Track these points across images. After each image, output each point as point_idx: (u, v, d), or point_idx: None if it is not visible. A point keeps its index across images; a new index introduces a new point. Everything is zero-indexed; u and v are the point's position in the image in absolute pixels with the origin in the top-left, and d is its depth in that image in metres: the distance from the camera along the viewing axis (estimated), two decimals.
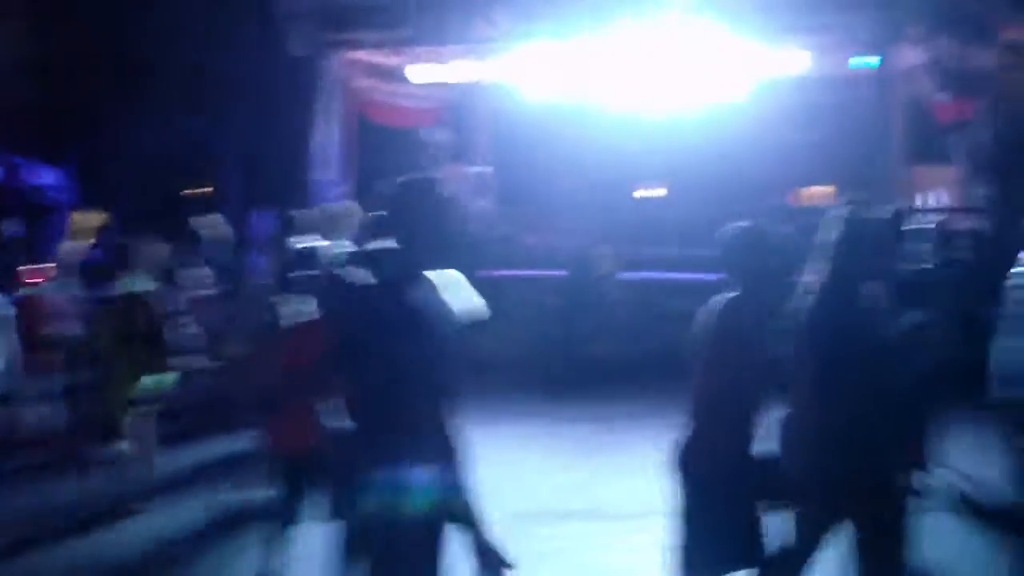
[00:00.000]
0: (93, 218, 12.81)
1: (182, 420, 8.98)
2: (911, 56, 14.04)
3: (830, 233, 4.35)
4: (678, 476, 4.53)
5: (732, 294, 4.50)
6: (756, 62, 14.39)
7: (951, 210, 13.48)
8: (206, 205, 14.54)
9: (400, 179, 3.66)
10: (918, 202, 14.16)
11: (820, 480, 4.23)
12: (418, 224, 3.57)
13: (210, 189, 19.22)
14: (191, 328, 9.99)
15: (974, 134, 13.84)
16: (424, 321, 3.53)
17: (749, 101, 14.87)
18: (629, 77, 14.66)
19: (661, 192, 18.68)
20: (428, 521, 3.54)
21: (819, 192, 17.28)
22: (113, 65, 16.08)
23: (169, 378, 7.33)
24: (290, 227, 9.79)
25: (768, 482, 4.40)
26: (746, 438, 4.38)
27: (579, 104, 15.16)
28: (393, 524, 3.45)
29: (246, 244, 10.57)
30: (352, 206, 9.97)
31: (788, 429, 4.42)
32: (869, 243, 4.30)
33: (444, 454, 3.58)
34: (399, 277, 3.61)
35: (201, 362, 8.33)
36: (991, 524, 6.74)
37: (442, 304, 3.64)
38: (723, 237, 4.60)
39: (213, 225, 11.83)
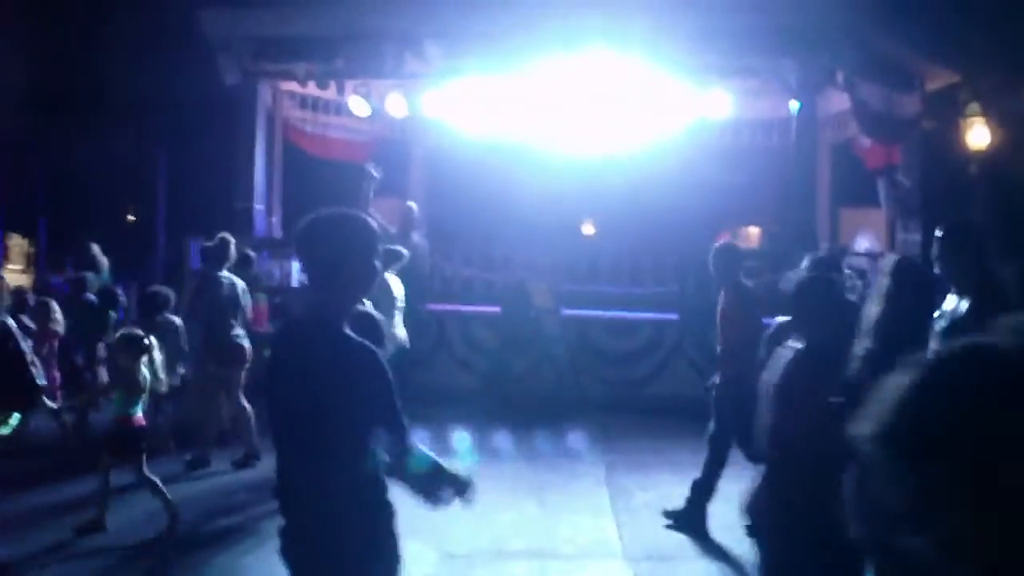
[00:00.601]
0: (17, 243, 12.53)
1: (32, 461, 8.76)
2: (838, 101, 14.31)
3: (883, 280, 4.24)
4: (755, 529, 4.40)
5: (798, 345, 4.31)
6: (686, 103, 14.57)
7: (881, 254, 13.73)
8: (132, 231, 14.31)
9: (313, 215, 3.53)
10: (852, 245, 14.36)
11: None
12: (332, 261, 3.42)
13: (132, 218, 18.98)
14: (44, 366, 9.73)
15: (899, 178, 14.13)
16: (320, 369, 3.36)
17: (679, 142, 15.05)
18: (560, 115, 14.78)
19: (593, 230, 18.81)
20: None
21: (753, 233, 17.59)
22: (40, 90, 15.78)
23: (14, 418, 7.02)
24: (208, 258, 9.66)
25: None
26: (822, 495, 4.09)
27: (511, 141, 15.23)
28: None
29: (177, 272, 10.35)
30: (228, 238, 9.76)
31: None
32: (922, 290, 4.19)
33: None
34: (309, 317, 3.51)
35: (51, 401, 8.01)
36: None
37: (352, 349, 3.39)
38: (792, 285, 4.42)
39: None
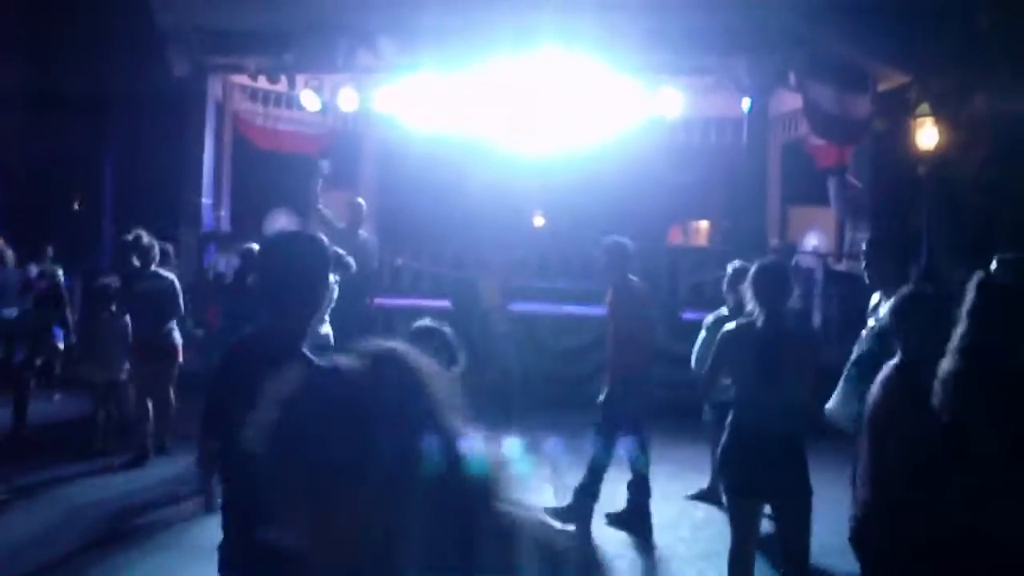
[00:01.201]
0: None
1: None
2: (790, 100, 14.37)
3: (969, 296, 3.88)
4: (862, 555, 4.15)
5: (893, 361, 4.12)
6: (637, 101, 14.57)
7: (831, 254, 13.80)
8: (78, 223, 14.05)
9: (269, 237, 3.54)
10: (801, 243, 14.44)
11: None
12: (292, 292, 3.44)
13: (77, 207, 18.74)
14: None
15: (849, 178, 14.22)
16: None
17: (631, 139, 15.03)
18: (512, 112, 14.74)
19: (544, 225, 18.76)
20: None
21: (703, 227, 17.65)
22: None
23: None
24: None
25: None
26: (927, 520, 3.72)
27: (463, 136, 15.16)
28: None
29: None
30: (140, 233, 9.32)
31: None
32: (1009, 306, 3.84)
33: None
34: (268, 338, 3.46)
35: None
36: None
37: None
38: (894, 302, 4.23)
39: None
